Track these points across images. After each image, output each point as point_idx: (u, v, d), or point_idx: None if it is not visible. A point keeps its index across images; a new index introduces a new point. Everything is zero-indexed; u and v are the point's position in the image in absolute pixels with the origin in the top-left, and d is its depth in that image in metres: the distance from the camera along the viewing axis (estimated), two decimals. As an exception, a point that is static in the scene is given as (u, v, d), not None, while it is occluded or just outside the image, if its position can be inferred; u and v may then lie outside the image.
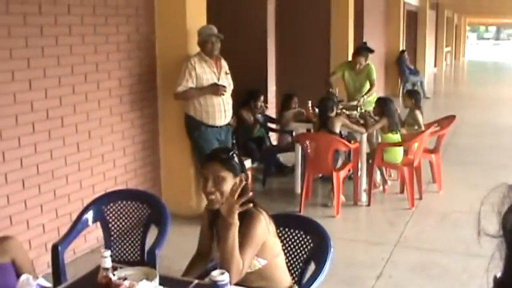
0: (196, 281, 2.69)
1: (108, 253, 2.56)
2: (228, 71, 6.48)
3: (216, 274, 2.41)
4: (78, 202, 5.52)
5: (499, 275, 0.78)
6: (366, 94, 8.42)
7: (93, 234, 5.37)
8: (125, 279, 2.53)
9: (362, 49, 8.86)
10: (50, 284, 2.61)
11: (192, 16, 6.45)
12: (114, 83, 6.04)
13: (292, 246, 3.51)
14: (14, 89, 4.92)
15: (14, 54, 4.88)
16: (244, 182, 3.03)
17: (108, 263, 2.57)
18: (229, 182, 3.00)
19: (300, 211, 6.87)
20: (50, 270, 3.87)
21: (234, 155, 3.08)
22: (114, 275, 2.58)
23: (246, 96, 8.55)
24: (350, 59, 9.33)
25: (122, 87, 6.17)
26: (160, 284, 2.72)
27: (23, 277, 2.50)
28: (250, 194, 3.02)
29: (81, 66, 5.57)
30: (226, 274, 2.44)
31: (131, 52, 6.25)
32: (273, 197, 7.94)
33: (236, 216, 2.90)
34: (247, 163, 7.49)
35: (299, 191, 7.45)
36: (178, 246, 5.45)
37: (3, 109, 4.83)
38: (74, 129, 5.55)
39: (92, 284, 2.63)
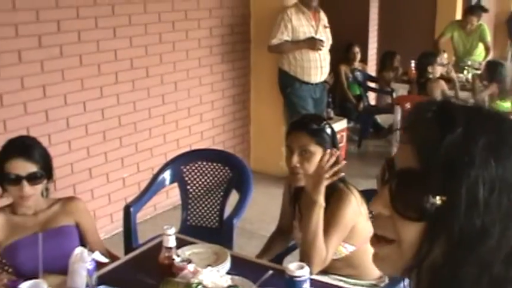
0: (270, 272, 2.33)
1: (172, 231, 2.25)
2: (327, 25, 6.05)
3: (293, 268, 2.04)
4: (161, 157, 5.31)
5: None
6: (483, 61, 7.73)
7: (176, 190, 5.09)
8: (190, 262, 2.21)
9: (475, 8, 8.22)
10: (106, 259, 2.33)
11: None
12: (204, 32, 5.72)
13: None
14: (98, 37, 4.70)
15: (97, 0, 4.65)
16: (335, 157, 2.62)
17: (171, 242, 2.26)
18: (318, 158, 2.59)
19: (395, 179, 6.39)
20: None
21: (326, 126, 2.67)
22: (178, 255, 2.26)
23: (344, 51, 8.12)
24: (459, 17, 8.67)
25: (213, 38, 5.85)
26: (230, 267, 2.39)
27: (77, 251, 2.24)
28: (342, 174, 2.60)
29: (168, 13, 5.28)
30: (306, 269, 2.06)
31: (223, 0, 5.89)
32: (367, 160, 7.49)
33: (322, 195, 2.50)
34: (343, 123, 7.12)
35: (396, 156, 6.95)
36: (263, 209, 5.18)
37: (86, 57, 4.63)
38: (159, 80, 5.30)
39: (153, 262, 2.34)
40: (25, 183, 2.56)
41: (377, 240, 1.02)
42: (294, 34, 5.80)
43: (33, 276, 2.24)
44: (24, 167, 2.56)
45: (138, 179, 5.18)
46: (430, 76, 6.59)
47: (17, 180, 2.56)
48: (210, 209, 3.85)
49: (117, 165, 5.06)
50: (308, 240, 2.50)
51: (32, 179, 2.59)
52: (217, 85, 5.99)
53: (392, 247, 1.00)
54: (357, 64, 8.39)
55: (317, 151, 2.60)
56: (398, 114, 7.16)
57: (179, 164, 3.89)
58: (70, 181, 4.61)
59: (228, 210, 3.77)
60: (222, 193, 3.82)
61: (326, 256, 2.50)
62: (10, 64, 4.16)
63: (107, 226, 4.95)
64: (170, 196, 5.32)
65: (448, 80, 6.96)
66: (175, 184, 3.95)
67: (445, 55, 8.04)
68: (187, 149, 5.45)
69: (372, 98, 9.02)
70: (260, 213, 5.12)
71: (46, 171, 2.66)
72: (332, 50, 6.17)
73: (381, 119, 8.41)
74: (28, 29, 4.25)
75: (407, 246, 0.98)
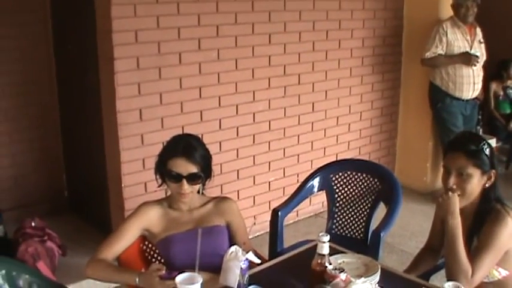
0: (424, 288, 2.30)
1: (327, 238, 2.25)
2: (482, 40, 5.87)
3: (449, 287, 2.00)
4: (307, 164, 5.36)
5: None
6: None
7: (319, 198, 5.13)
8: (342, 270, 2.21)
9: None
10: (258, 260, 2.38)
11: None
12: (356, 43, 5.71)
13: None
14: (253, 42, 4.82)
15: (255, 6, 4.77)
16: (492, 180, 2.56)
17: (325, 249, 2.26)
18: (476, 180, 2.56)
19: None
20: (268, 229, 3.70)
21: (485, 146, 2.60)
22: (330, 263, 2.27)
23: (497, 67, 7.80)
24: None
25: (365, 49, 5.82)
26: (380, 281, 2.36)
27: (232, 249, 2.30)
28: None
29: (323, 22, 5.31)
30: (462, 288, 2.02)
31: (377, 11, 5.85)
32: (516, 183, 7.16)
33: (456, 210, 2.51)
34: (492, 142, 6.84)
35: (548, 180, 6.62)
36: (404, 223, 5.12)
37: (241, 62, 4.77)
38: (310, 88, 5.35)
39: (303, 267, 2.35)
40: (185, 181, 2.66)
41: None
42: (448, 48, 5.68)
43: (185, 270, 2.30)
44: (186, 167, 2.66)
45: (283, 184, 5.26)
46: None
47: (178, 178, 2.66)
48: (356, 219, 3.83)
49: (264, 169, 5.15)
50: (448, 254, 2.51)
51: (192, 179, 2.68)
52: (366, 96, 5.96)
53: None
54: (509, 82, 8.06)
55: (475, 173, 2.56)
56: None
57: (329, 172, 3.91)
58: (218, 181, 4.72)
59: (372, 223, 3.75)
60: (369, 204, 3.80)
61: (473, 275, 2.46)
62: (171, 65, 4.35)
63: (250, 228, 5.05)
64: (313, 203, 5.36)
65: None
66: (319, 192, 3.97)
67: None
68: (333, 158, 5.48)
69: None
70: (400, 227, 5.03)
71: (205, 172, 2.75)
72: (484, 67, 5.97)
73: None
74: (190, 32, 4.42)
75: None
